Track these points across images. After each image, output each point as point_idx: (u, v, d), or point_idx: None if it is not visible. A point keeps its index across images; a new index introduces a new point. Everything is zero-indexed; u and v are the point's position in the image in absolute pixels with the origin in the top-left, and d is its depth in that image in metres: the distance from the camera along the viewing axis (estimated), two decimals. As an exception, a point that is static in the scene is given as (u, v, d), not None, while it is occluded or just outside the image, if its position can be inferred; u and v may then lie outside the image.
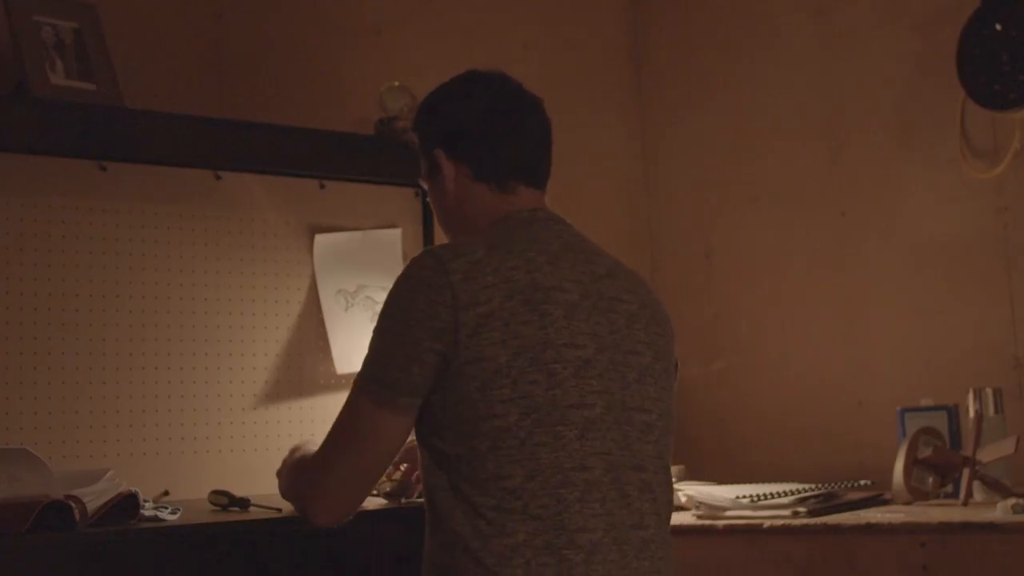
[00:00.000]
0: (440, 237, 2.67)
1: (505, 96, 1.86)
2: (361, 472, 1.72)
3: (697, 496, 2.56)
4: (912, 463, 2.56)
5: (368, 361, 1.71)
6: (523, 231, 1.77)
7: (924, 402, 2.75)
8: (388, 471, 2.03)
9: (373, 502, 2.19)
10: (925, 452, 2.56)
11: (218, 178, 2.62)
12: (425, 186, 1.93)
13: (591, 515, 1.64)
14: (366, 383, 1.69)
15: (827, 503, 2.50)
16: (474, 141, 1.83)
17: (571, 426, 1.64)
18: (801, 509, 2.42)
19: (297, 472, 1.85)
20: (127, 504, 1.91)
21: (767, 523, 2.38)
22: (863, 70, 3.11)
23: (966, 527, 2.18)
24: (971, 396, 2.62)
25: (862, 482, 2.77)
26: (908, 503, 2.53)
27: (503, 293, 1.65)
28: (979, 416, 2.57)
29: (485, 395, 1.62)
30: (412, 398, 1.67)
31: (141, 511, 1.95)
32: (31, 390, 2.35)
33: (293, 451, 1.96)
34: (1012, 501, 2.23)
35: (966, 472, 2.49)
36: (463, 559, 1.63)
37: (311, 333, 2.71)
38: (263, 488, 2.53)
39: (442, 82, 1.91)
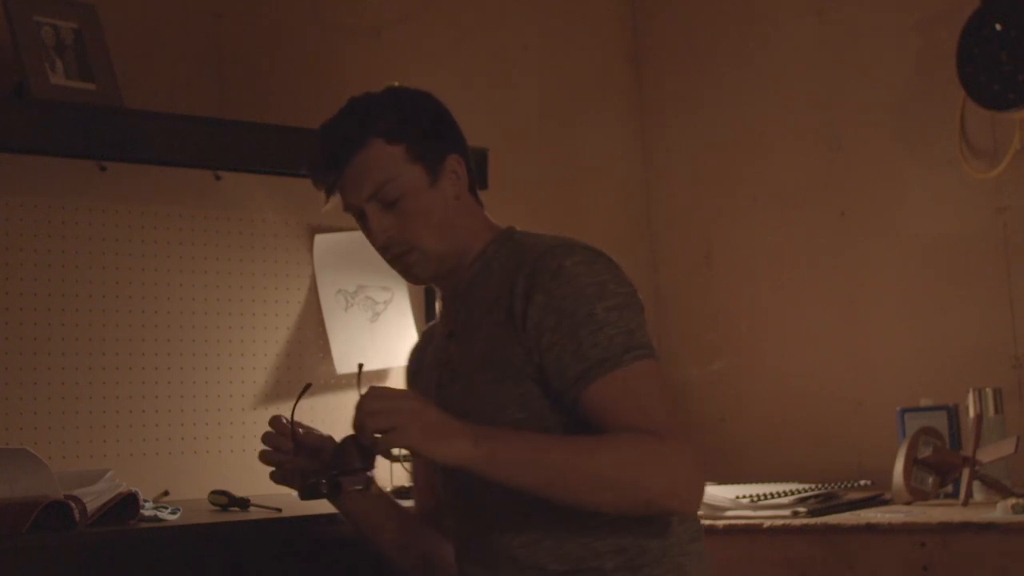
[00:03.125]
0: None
1: None
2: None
3: (697, 496, 2.56)
4: (912, 463, 2.55)
5: (632, 332, 1.63)
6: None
7: (924, 402, 2.75)
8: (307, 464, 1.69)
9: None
10: (925, 452, 2.55)
11: (218, 178, 2.62)
12: (401, 195, 1.71)
13: None
14: (650, 351, 1.64)
15: (827, 503, 2.49)
16: (466, 149, 1.80)
17: None
18: (801, 509, 2.42)
19: (641, 464, 1.57)
20: (127, 504, 1.91)
21: (767, 523, 2.38)
22: (863, 70, 3.11)
23: (966, 527, 2.18)
24: (971, 396, 2.61)
25: (862, 482, 2.76)
26: (908, 503, 2.52)
27: None
28: (979, 416, 2.57)
29: None
30: None
31: (141, 511, 1.95)
32: (31, 390, 2.35)
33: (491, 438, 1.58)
34: (1012, 501, 2.23)
35: (966, 472, 2.49)
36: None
37: (311, 333, 2.71)
38: (263, 488, 2.53)
39: (400, 90, 1.79)
